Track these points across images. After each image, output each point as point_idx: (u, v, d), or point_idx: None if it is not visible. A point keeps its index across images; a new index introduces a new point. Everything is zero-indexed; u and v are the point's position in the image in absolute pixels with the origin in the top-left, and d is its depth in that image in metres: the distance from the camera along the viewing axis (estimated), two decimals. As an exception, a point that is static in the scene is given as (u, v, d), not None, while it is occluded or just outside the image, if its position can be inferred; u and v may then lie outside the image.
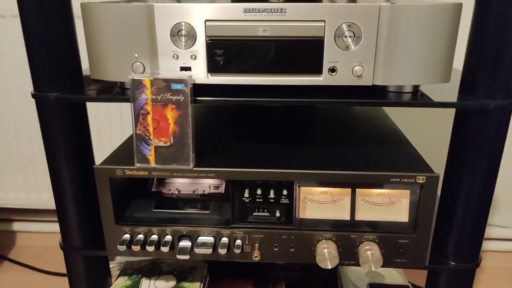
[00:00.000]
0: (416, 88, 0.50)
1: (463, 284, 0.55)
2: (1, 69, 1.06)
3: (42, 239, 1.31)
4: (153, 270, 0.67)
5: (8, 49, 1.05)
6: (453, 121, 0.52)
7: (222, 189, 0.58)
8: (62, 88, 0.50)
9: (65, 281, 1.14)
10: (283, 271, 0.79)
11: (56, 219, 1.39)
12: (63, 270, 1.21)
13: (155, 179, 0.59)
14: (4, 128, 1.14)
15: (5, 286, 1.13)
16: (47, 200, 1.20)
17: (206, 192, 0.57)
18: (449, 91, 0.51)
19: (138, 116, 0.47)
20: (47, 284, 1.14)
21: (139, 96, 0.47)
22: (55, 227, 1.32)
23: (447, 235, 0.54)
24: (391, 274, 0.82)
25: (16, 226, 1.32)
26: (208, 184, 0.58)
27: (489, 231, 1.07)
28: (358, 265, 0.51)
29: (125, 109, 1.08)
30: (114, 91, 0.52)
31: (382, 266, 0.51)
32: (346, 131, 0.65)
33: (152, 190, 0.58)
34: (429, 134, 1.08)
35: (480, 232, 0.53)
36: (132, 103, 0.47)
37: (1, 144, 1.15)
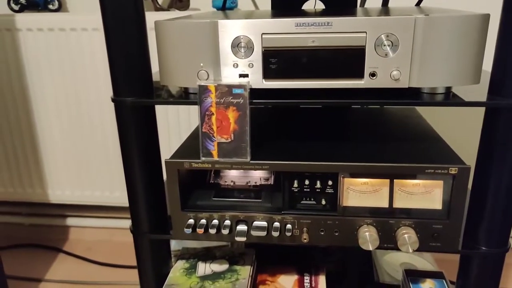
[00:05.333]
0: (448, 89, 0.56)
1: (493, 268, 0.60)
2: (82, 76, 1.17)
3: (93, 234, 1.42)
4: (207, 255, 0.74)
5: (89, 58, 1.16)
6: (483, 119, 0.57)
7: (271, 181, 0.65)
8: (136, 93, 0.59)
9: (114, 271, 1.24)
10: (323, 262, 0.85)
11: (107, 215, 1.50)
12: (113, 261, 1.32)
13: (212, 172, 0.66)
14: (62, 131, 1.25)
15: (62, 275, 1.23)
16: (99, 197, 1.30)
17: (257, 184, 0.65)
18: (479, 92, 0.56)
19: (204, 116, 0.55)
20: (98, 274, 1.23)
21: (205, 99, 0.55)
22: (105, 222, 1.43)
23: (478, 223, 0.59)
24: (424, 266, 0.87)
25: (70, 221, 1.43)
26: (259, 177, 0.65)
27: None
28: (397, 248, 0.57)
29: (178, 112, 1.18)
30: (179, 95, 0.60)
31: (418, 250, 0.57)
32: (384, 129, 0.71)
33: (210, 182, 0.66)
34: (460, 132, 1.13)
35: (509, 220, 0.58)
36: (199, 106, 0.55)
37: (60, 147, 1.26)
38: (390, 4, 0.92)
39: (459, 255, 0.62)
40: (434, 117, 1.15)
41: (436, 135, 0.68)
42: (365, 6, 0.91)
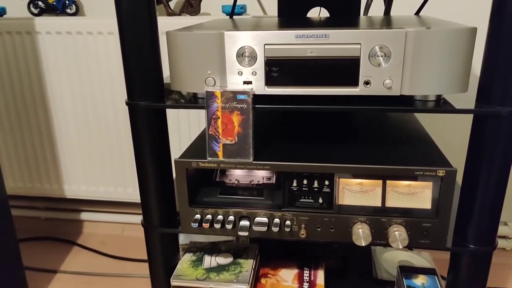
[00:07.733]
0: (439, 97, 0.60)
1: (481, 265, 0.64)
2: (97, 77, 1.23)
3: (106, 228, 1.47)
4: (213, 249, 0.79)
5: (104, 60, 1.21)
6: (471, 124, 0.61)
7: (273, 180, 0.69)
8: (149, 98, 0.63)
9: (125, 264, 1.30)
10: (324, 258, 0.89)
11: (119, 210, 1.55)
12: (125, 254, 1.37)
13: (218, 171, 0.71)
14: (78, 130, 1.31)
15: (76, 267, 1.29)
16: (112, 193, 1.36)
17: (260, 183, 0.69)
18: (468, 100, 0.59)
19: (211, 120, 0.60)
20: (111, 266, 1.29)
21: (211, 104, 0.59)
22: (118, 217, 1.48)
23: (467, 222, 0.62)
24: (422, 264, 0.90)
25: (84, 216, 1.49)
26: (261, 176, 0.70)
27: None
28: (388, 244, 0.61)
29: (188, 114, 1.23)
30: (188, 100, 0.65)
31: (408, 247, 0.60)
32: (379, 133, 0.75)
33: (216, 180, 0.70)
34: (452, 134, 1.18)
35: (496, 220, 0.61)
36: (206, 110, 0.60)
37: (76, 145, 1.32)
38: (393, 11, 0.95)
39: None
40: (429, 121, 1.19)
41: (428, 138, 0.71)
42: (369, 14, 0.95)
